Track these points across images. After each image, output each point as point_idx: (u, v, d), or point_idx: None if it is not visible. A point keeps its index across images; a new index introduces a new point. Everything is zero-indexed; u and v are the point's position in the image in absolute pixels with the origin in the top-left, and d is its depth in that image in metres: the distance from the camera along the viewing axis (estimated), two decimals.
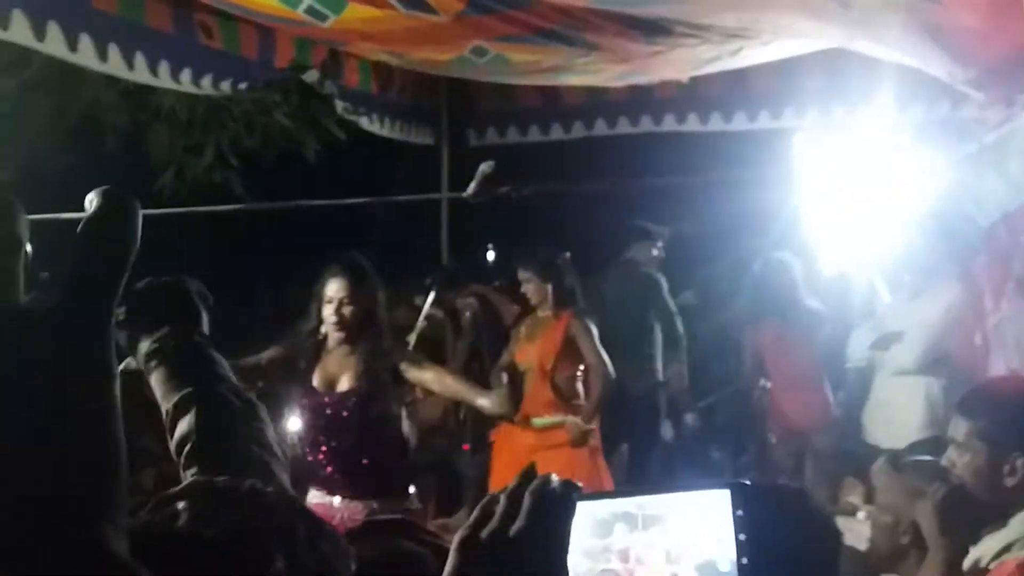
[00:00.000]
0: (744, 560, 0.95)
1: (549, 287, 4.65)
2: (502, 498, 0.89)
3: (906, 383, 4.29)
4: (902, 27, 2.84)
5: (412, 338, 4.55)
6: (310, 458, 3.45)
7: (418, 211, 5.98)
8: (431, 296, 4.74)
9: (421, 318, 4.68)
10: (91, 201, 0.72)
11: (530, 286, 4.72)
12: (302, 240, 7.00)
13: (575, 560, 0.90)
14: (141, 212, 0.74)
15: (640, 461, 5.57)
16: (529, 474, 0.91)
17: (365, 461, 3.43)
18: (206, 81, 4.02)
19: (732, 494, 0.97)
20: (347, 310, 3.47)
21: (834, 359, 5.96)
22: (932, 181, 3.84)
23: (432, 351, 5.33)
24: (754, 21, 3.26)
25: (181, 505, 0.83)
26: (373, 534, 1.50)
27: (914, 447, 3.84)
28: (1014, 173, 2.37)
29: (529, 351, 4.63)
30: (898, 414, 4.29)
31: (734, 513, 0.96)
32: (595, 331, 4.65)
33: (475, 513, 0.89)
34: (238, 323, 7.21)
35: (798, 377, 5.18)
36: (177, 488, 0.87)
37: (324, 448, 3.44)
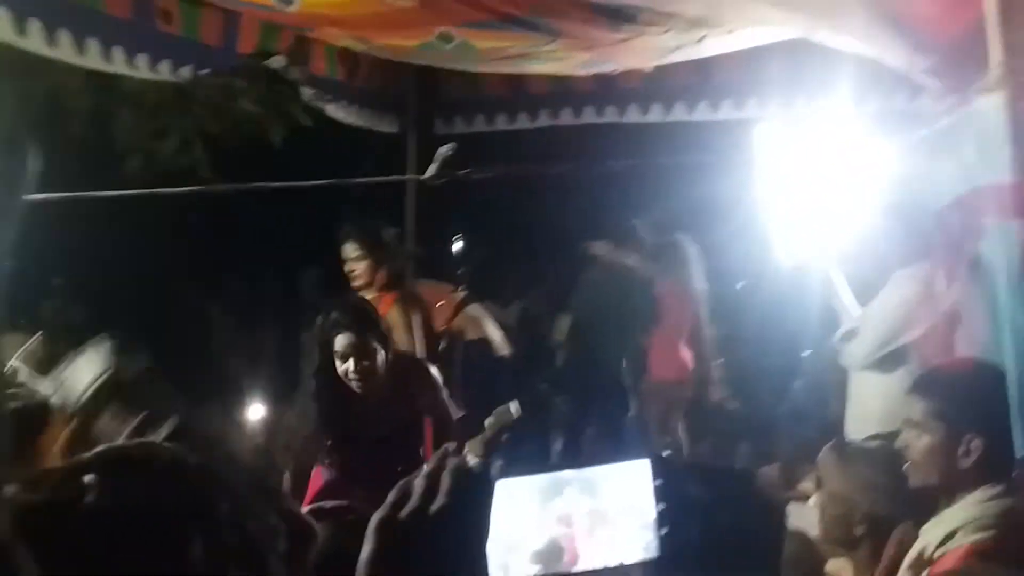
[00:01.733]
0: (664, 530, 0.93)
1: (379, 267, 4.48)
2: (420, 478, 0.85)
3: (867, 378, 4.25)
4: (863, 16, 2.79)
5: None
6: None
7: (384, 200, 5.88)
8: None
9: None
10: None
11: (359, 264, 4.49)
12: (268, 229, 6.91)
13: (517, 531, 0.91)
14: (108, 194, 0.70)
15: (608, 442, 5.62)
16: (446, 453, 0.88)
17: None
18: (164, 67, 3.88)
19: (652, 464, 0.96)
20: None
21: (790, 348, 6.01)
22: (888, 170, 3.81)
23: None
24: (718, 9, 3.20)
25: (89, 479, 0.75)
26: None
27: (871, 440, 3.81)
28: (967, 156, 2.33)
29: None
30: (859, 408, 4.26)
31: (653, 482, 0.95)
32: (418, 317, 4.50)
33: (391, 495, 0.85)
34: (205, 311, 7.12)
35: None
36: (88, 454, 0.79)
37: None
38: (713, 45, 3.79)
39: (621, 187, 6.14)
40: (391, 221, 5.89)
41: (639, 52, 3.95)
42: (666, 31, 3.53)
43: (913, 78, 2.97)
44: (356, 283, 4.42)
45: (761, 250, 4.91)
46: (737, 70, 4.99)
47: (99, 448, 0.83)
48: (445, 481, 0.84)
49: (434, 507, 0.83)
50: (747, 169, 4.19)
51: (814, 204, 4.23)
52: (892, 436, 3.27)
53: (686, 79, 5.13)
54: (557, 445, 5.84)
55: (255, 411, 5.41)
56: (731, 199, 4.92)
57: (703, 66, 4.72)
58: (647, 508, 0.95)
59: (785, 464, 4.69)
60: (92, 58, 3.54)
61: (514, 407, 2.83)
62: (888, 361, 4.14)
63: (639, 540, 0.95)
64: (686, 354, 5.85)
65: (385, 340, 3.48)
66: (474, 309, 5.06)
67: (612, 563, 0.94)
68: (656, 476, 0.96)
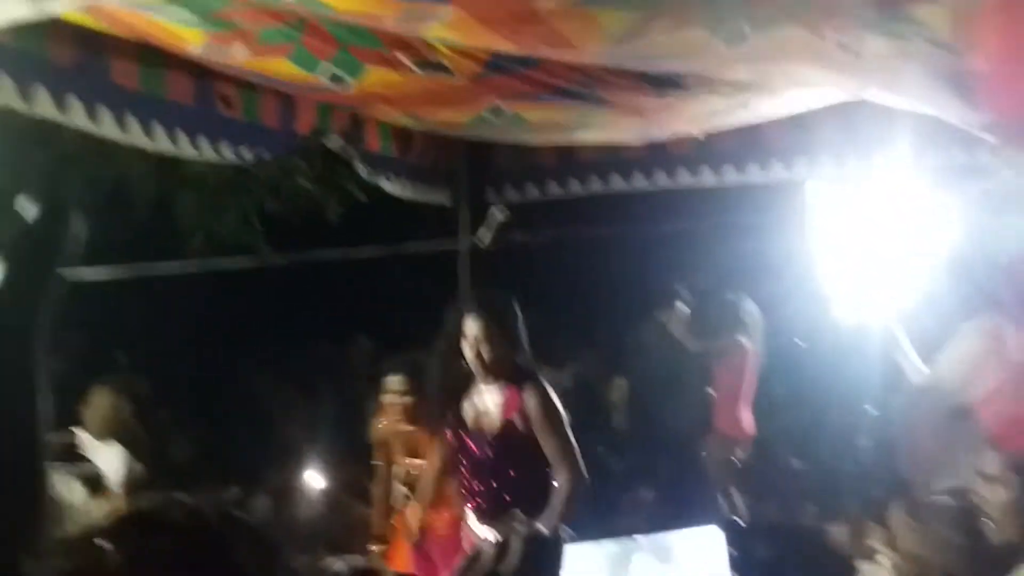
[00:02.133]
0: None
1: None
2: (490, 543, 0.85)
3: (937, 433, 4.14)
4: (914, 75, 2.77)
5: None
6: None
7: (438, 270, 5.92)
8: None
9: None
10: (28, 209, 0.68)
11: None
12: (324, 300, 6.99)
13: None
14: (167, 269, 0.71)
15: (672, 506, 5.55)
16: (516, 519, 0.89)
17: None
18: (225, 149, 3.98)
19: (725, 532, 0.95)
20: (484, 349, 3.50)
21: (853, 404, 5.90)
22: (950, 225, 3.76)
23: None
24: (766, 74, 3.20)
25: (99, 542, 0.75)
26: None
27: (942, 495, 3.70)
28: None
29: None
30: (928, 464, 4.15)
31: (729, 553, 0.94)
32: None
33: (461, 563, 0.85)
34: (265, 382, 7.19)
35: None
36: (100, 519, 0.80)
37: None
38: (760, 107, 3.79)
39: (673, 249, 6.13)
40: (444, 289, 5.95)
41: (686, 116, 3.96)
42: (710, 94, 3.54)
43: (970, 132, 2.94)
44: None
45: (818, 308, 4.87)
46: (787, 131, 4.96)
47: (112, 511, 0.83)
48: (515, 544, 0.86)
49: (504, 569, 0.84)
50: (800, 228, 4.16)
51: (872, 261, 4.18)
52: (961, 492, 3.18)
53: (735, 142, 5.10)
54: (618, 510, 5.77)
55: (313, 477, 5.44)
56: (784, 257, 4.90)
57: (753, 128, 4.71)
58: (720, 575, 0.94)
59: (852, 523, 4.58)
60: (159, 141, 3.65)
61: (498, 210, 2.83)
62: (957, 414, 4.04)
63: None
64: (747, 414, 5.77)
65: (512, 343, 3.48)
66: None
67: None
68: (730, 543, 0.95)
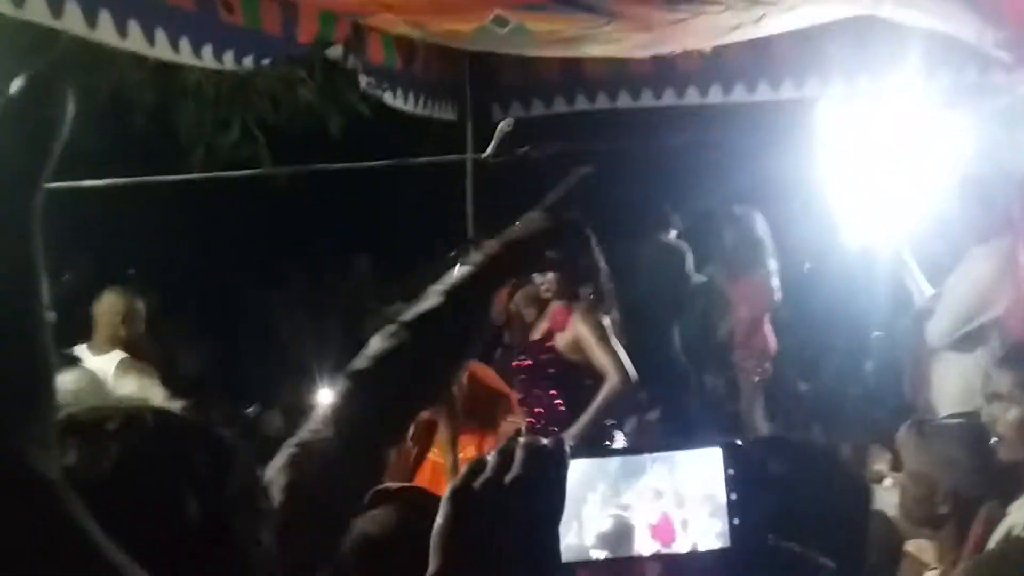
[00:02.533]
0: (735, 520, 0.92)
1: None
2: (493, 453, 0.87)
3: (944, 358, 4.12)
4: None
5: None
6: None
7: (442, 185, 5.88)
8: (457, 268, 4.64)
9: None
10: (15, 84, 0.66)
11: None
12: (327, 216, 6.97)
13: (586, 512, 0.93)
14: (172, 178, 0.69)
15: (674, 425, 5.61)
16: (517, 431, 0.89)
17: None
18: (228, 57, 3.91)
19: (723, 453, 0.94)
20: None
21: (860, 329, 5.90)
22: (961, 143, 3.69)
23: None
24: None
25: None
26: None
27: (951, 418, 3.71)
28: None
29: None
30: (936, 389, 4.14)
31: (725, 472, 0.94)
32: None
33: (464, 469, 0.87)
34: (269, 296, 7.22)
35: None
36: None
37: None
38: (773, 23, 3.71)
39: (679, 167, 6.07)
40: (449, 204, 5.92)
41: (697, 33, 3.89)
42: (724, 10, 3.46)
43: (984, 51, 2.86)
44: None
45: (827, 230, 4.83)
46: (797, 48, 4.87)
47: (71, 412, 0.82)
48: (519, 454, 0.86)
49: (508, 478, 0.84)
50: (809, 148, 4.11)
51: (882, 182, 4.13)
52: (973, 415, 3.18)
53: (745, 59, 5.03)
54: (622, 431, 5.82)
55: (324, 395, 5.48)
56: (794, 179, 4.84)
57: (763, 45, 4.62)
58: (718, 496, 0.94)
59: (857, 445, 4.62)
60: (161, 49, 3.59)
61: (505, 123, 2.88)
62: (967, 340, 4.01)
63: (710, 528, 0.94)
64: (769, 331, 5.75)
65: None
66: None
67: (683, 549, 0.94)
68: (728, 465, 0.95)
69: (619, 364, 3.84)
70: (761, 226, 5.65)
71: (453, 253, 4.78)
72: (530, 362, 3.97)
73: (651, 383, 5.60)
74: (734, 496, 0.93)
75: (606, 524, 0.94)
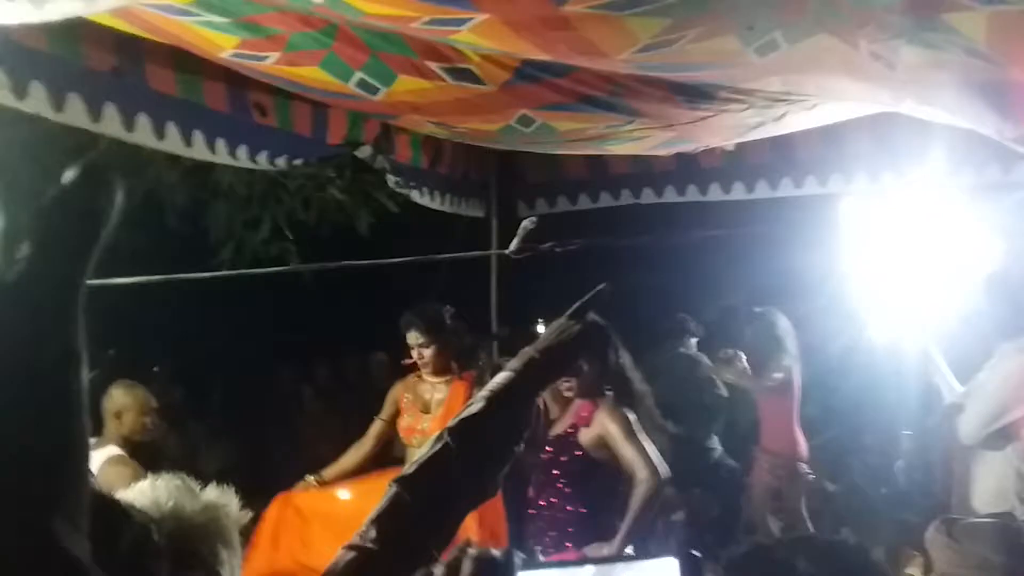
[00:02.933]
0: None
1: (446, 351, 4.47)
2: (441, 567, 0.87)
3: (975, 457, 4.05)
4: (949, 86, 2.74)
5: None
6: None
7: (468, 283, 5.93)
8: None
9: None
10: (67, 174, 0.68)
11: (426, 351, 4.43)
12: (353, 314, 7.03)
13: None
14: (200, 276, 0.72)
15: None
16: (466, 544, 0.88)
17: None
18: (262, 157, 4.04)
19: (680, 564, 0.92)
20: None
21: (888, 426, 5.81)
22: (988, 242, 3.70)
23: None
24: (799, 85, 3.18)
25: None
26: None
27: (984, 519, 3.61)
28: None
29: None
30: (967, 489, 4.06)
31: None
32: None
33: None
34: (295, 393, 7.23)
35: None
36: None
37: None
38: (794, 121, 3.77)
39: (700, 264, 6.10)
40: (475, 302, 5.96)
41: (719, 130, 3.95)
42: (746, 108, 3.52)
43: (1007, 146, 2.90)
44: (426, 370, 4.37)
45: (852, 327, 4.81)
46: (820, 145, 4.94)
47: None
48: (466, 567, 0.86)
49: None
50: (835, 244, 4.12)
51: (908, 279, 4.12)
52: (1006, 516, 3.10)
53: (769, 156, 5.11)
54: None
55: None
56: (819, 275, 4.85)
57: (785, 142, 4.69)
58: None
59: (888, 547, 4.50)
60: (198, 150, 3.70)
61: (528, 221, 2.89)
62: (998, 438, 3.94)
63: None
64: (799, 433, 5.66)
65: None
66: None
67: None
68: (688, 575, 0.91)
69: (648, 460, 3.75)
70: (783, 324, 5.65)
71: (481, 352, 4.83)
72: (551, 456, 3.89)
73: (701, 487, 5.58)
74: None
75: None
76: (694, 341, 6.09)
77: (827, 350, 6.38)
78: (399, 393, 4.47)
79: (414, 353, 4.32)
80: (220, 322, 7.21)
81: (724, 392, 5.98)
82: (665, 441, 6.51)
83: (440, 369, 4.36)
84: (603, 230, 5.36)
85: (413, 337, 4.34)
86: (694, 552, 0.93)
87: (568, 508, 3.80)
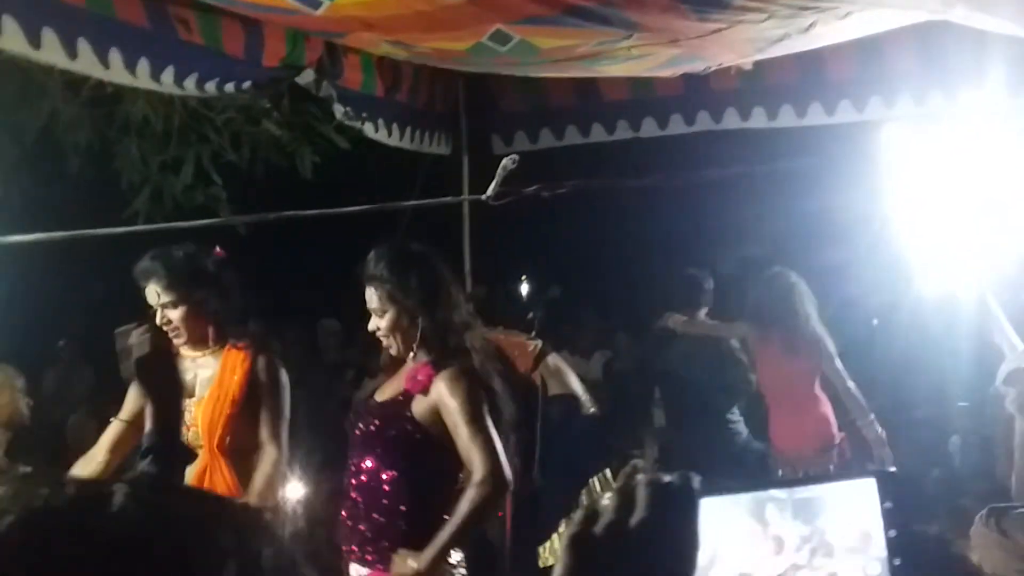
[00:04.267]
0: (897, 561, 0.94)
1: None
2: (612, 494, 0.91)
3: None
4: None
5: None
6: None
7: (435, 235, 5.93)
8: None
9: None
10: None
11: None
12: (297, 269, 7.04)
13: (723, 550, 0.96)
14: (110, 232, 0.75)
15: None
16: (635, 468, 0.94)
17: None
18: (190, 82, 3.98)
19: (878, 483, 0.97)
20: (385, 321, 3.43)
21: (942, 397, 5.89)
22: None
23: None
24: None
25: (116, 487, 0.80)
26: None
27: None
28: None
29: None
30: None
31: (882, 505, 0.96)
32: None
33: (579, 513, 0.91)
34: None
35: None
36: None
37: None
38: (826, 33, 3.78)
39: (714, 207, 6.11)
40: (444, 255, 5.96)
41: (735, 45, 3.95)
42: (767, 18, 3.52)
43: None
44: (179, 341, 3.86)
45: (896, 278, 4.86)
46: (856, 63, 4.96)
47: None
48: (641, 494, 0.89)
49: (634, 520, 0.88)
50: (874, 181, 4.16)
51: (961, 219, 4.17)
52: None
53: (794, 76, 5.12)
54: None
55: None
56: (855, 217, 4.89)
57: (814, 60, 4.70)
58: (875, 536, 0.97)
59: (939, 539, 4.59)
60: (116, 72, 3.65)
61: (509, 160, 2.85)
62: None
63: (870, 572, 0.97)
64: (820, 417, 5.61)
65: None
66: (554, 359, 5.06)
67: None
68: (884, 498, 0.98)
69: (492, 456, 3.29)
70: (802, 287, 5.64)
71: None
72: (374, 427, 3.48)
73: (729, 474, 5.65)
74: (893, 533, 0.95)
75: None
76: (704, 312, 6.09)
77: (867, 307, 6.45)
78: None
79: (157, 316, 3.72)
80: (136, 286, 7.19)
81: (748, 366, 6.03)
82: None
83: (196, 338, 3.84)
84: (596, 170, 5.36)
85: (153, 294, 3.76)
86: (891, 469, 1.00)
87: (384, 502, 3.41)
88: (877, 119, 4.88)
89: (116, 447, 3.83)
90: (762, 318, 5.56)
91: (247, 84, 4.11)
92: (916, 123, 4.48)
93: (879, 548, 0.96)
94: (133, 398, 3.79)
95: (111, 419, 3.86)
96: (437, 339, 3.37)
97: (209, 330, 3.78)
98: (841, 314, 5.83)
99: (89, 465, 3.77)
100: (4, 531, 0.74)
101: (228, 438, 3.73)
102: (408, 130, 5.42)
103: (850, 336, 5.89)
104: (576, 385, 5.16)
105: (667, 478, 0.91)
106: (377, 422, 3.43)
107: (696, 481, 0.92)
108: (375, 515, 3.40)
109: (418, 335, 3.37)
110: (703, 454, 5.90)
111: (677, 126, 5.56)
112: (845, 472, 0.98)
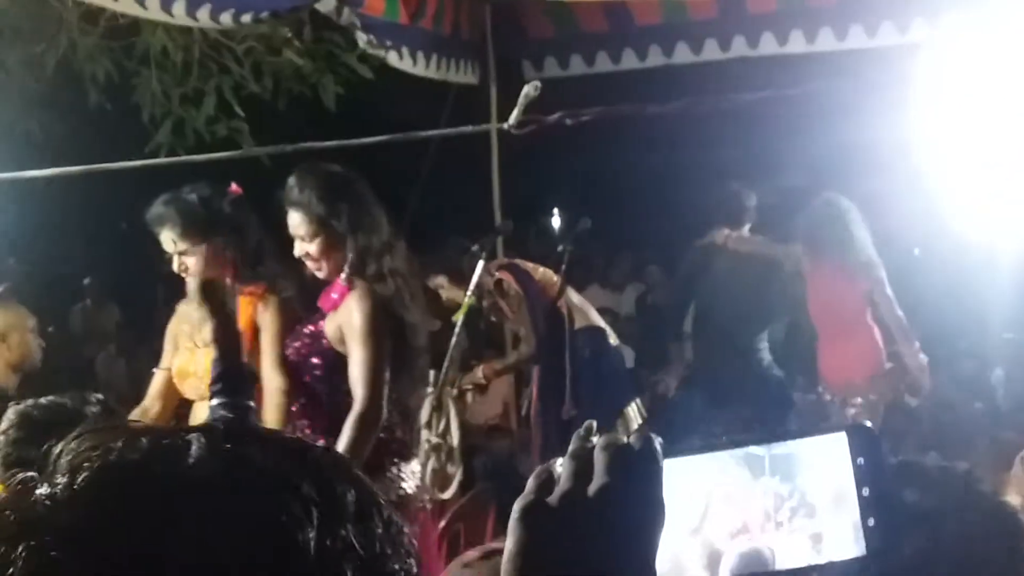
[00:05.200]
0: (871, 521, 0.90)
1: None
2: (566, 459, 0.87)
3: None
4: None
5: (459, 317, 4.50)
6: None
7: (463, 166, 5.92)
8: (480, 265, 4.67)
9: (469, 292, 4.62)
10: None
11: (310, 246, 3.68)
12: None
13: (707, 510, 0.92)
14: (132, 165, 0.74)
15: None
16: (589, 430, 0.90)
17: None
18: (203, 13, 3.95)
19: (849, 438, 0.93)
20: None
21: (984, 327, 5.86)
22: None
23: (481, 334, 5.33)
24: None
25: (192, 437, 0.77)
26: None
27: None
28: None
29: None
30: None
31: (854, 461, 0.92)
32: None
33: (530, 482, 0.86)
34: None
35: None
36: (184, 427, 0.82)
37: None
38: None
39: (751, 136, 6.04)
40: (473, 189, 5.95)
41: None
42: None
43: None
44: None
45: (938, 208, 4.79)
46: None
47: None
48: (600, 458, 0.85)
49: (592, 488, 0.84)
50: (916, 107, 4.09)
51: (1009, 149, 4.10)
52: None
53: None
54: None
55: None
56: (897, 146, 4.81)
57: None
58: (848, 494, 0.94)
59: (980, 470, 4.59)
60: (125, 2, 3.63)
61: (531, 87, 2.82)
62: None
63: (845, 533, 0.94)
64: (869, 345, 5.60)
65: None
66: (576, 295, 5.09)
67: (819, 561, 0.94)
68: (856, 454, 0.94)
69: (371, 388, 3.27)
70: (848, 205, 5.60)
71: (476, 246, 4.84)
72: (296, 346, 3.50)
73: (746, 406, 5.65)
74: (867, 491, 0.92)
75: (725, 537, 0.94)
76: (747, 228, 6.05)
77: (908, 237, 6.39)
78: (175, 326, 3.91)
79: (174, 263, 3.66)
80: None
81: (795, 288, 5.98)
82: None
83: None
84: (627, 97, 5.31)
85: (168, 241, 3.65)
86: (868, 424, 0.96)
87: (300, 425, 3.44)
88: (921, 41, 4.78)
89: (166, 395, 3.86)
90: (815, 243, 5.52)
91: (265, 14, 4.07)
92: (964, 45, 4.40)
93: (857, 509, 0.92)
94: (168, 342, 3.87)
95: (139, 356, 3.92)
96: (358, 261, 3.35)
97: (227, 275, 3.68)
98: (882, 244, 5.76)
99: (146, 416, 3.80)
100: (80, 487, 0.72)
101: None
102: (434, 58, 5.37)
103: (891, 266, 5.82)
104: (597, 318, 5.18)
105: (626, 439, 0.86)
106: (296, 344, 3.47)
107: (657, 442, 0.87)
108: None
109: (346, 258, 3.35)
110: (726, 382, 5.91)
111: (712, 51, 5.48)
112: (816, 427, 0.97)
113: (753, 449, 0.95)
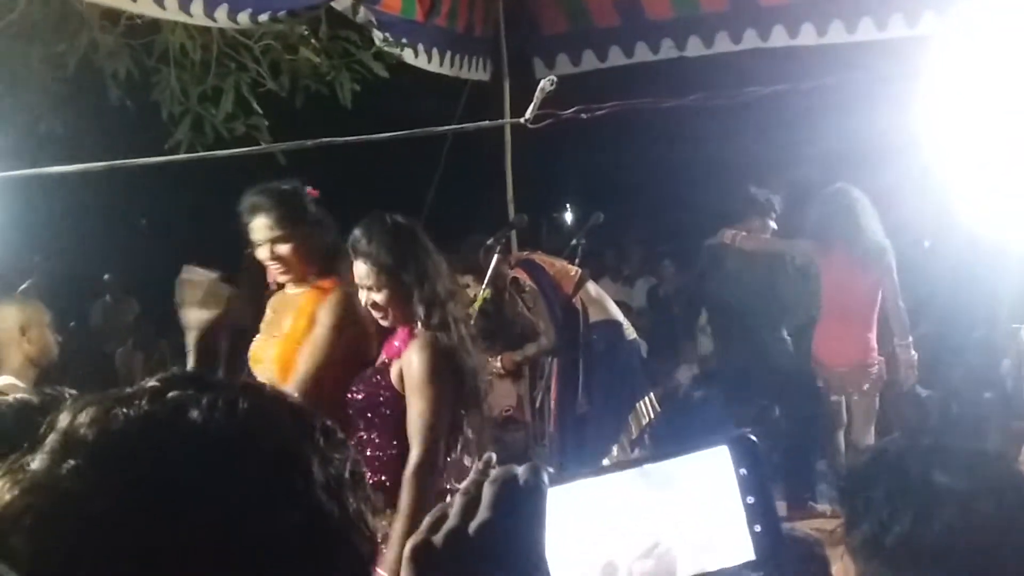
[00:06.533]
0: (757, 527, 0.94)
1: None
2: (457, 494, 0.89)
3: None
4: None
5: (473, 310, 4.52)
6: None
7: (477, 162, 5.94)
8: (495, 259, 4.71)
9: (483, 286, 4.65)
10: None
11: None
12: (340, 196, 7.05)
13: (578, 544, 0.92)
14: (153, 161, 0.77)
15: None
16: (488, 463, 0.92)
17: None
18: (220, 12, 4.00)
19: (731, 450, 0.97)
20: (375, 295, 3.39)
21: (992, 317, 5.86)
22: None
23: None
24: None
25: (190, 393, 0.80)
26: None
27: None
28: None
29: None
30: None
31: (737, 472, 0.95)
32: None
33: (427, 519, 0.89)
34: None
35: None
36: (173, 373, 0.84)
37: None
38: None
39: (762, 129, 6.05)
40: (486, 184, 5.97)
41: None
42: None
43: None
44: (285, 277, 3.84)
45: (947, 202, 4.79)
46: None
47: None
48: (486, 493, 0.87)
49: (474, 525, 0.86)
50: (927, 101, 4.10)
51: (1018, 143, 4.10)
52: None
53: None
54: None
55: None
56: (908, 139, 4.82)
57: None
58: (734, 503, 0.97)
59: None
60: (144, 3, 3.67)
61: (547, 82, 2.84)
62: None
63: (735, 540, 0.97)
64: (866, 335, 5.62)
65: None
66: (594, 287, 5.10)
67: (712, 568, 0.97)
68: (739, 465, 0.98)
69: (426, 440, 3.25)
70: (858, 195, 5.61)
71: (491, 240, 4.87)
72: (361, 395, 3.47)
73: (772, 397, 5.68)
74: (751, 500, 0.95)
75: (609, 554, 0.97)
76: (771, 221, 6.04)
77: (918, 230, 6.39)
78: (267, 312, 4.01)
79: (263, 252, 3.75)
80: (181, 216, 7.27)
81: (799, 280, 6.01)
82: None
83: (301, 274, 3.81)
84: (639, 91, 5.32)
85: (262, 228, 3.74)
86: (749, 435, 0.98)
87: (383, 461, 3.41)
88: (931, 34, 4.79)
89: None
90: (825, 234, 5.54)
91: (282, 13, 4.11)
92: (973, 39, 4.40)
93: (744, 517, 0.96)
94: (196, 349, 3.89)
95: (157, 351, 3.97)
96: (423, 310, 3.34)
97: (312, 266, 3.80)
98: (892, 236, 5.77)
99: None
100: (89, 454, 0.75)
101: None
102: (448, 55, 5.41)
103: (902, 258, 5.84)
104: (615, 311, 5.20)
105: (517, 471, 0.88)
106: (359, 387, 3.45)
107: (544, 474, 0.89)
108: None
109: (412, 309, 3.35)
110: (748, 376, 5.94)
111: (723, 44, 5.50)
112: (696, 444, 0.98)
113: (646, 467, 0.98)
